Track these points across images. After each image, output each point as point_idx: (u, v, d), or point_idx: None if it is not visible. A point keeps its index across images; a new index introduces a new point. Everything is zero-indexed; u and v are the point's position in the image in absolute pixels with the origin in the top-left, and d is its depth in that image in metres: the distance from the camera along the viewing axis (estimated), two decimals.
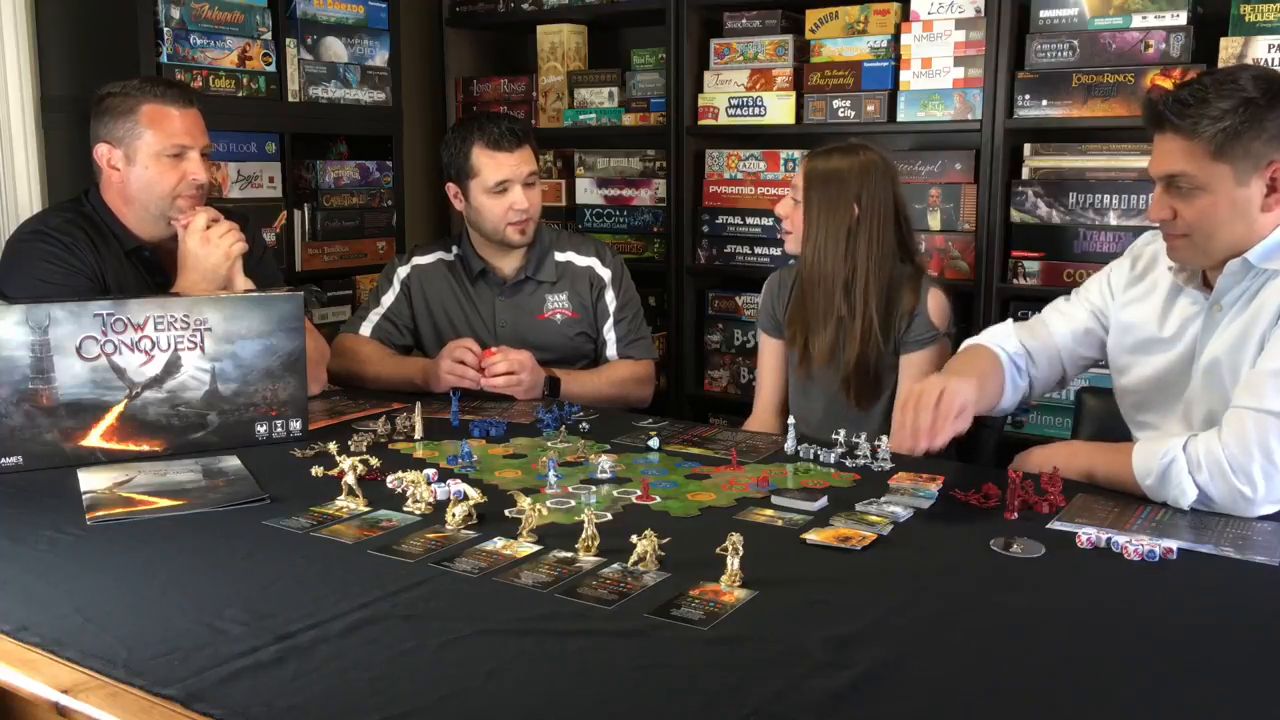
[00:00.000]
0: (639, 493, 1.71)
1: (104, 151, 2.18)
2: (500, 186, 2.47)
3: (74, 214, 2.20)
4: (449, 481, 1.68)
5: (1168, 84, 1.78)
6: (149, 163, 2.16)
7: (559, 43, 3.52)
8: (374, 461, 1.74)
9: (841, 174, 2.27)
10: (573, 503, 1.67)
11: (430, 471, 1.73)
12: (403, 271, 2.61)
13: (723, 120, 3.20)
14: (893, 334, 2.28)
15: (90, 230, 2.18)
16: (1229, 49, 2.51)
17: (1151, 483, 1.64)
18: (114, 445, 1.87)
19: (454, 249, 2.63)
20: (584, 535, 1.45)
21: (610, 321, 2.61)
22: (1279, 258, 1.66)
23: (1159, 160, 1.70)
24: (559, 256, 2.61)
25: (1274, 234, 1.67)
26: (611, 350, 2.61)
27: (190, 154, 2.18)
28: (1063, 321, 2.00)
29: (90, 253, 2.15)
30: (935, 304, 2.30)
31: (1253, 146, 1.62)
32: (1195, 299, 1.79)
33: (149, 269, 2.24)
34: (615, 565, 1.40)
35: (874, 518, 1.59)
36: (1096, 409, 2.17)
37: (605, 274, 2.61)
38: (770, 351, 2.49)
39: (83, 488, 1.72)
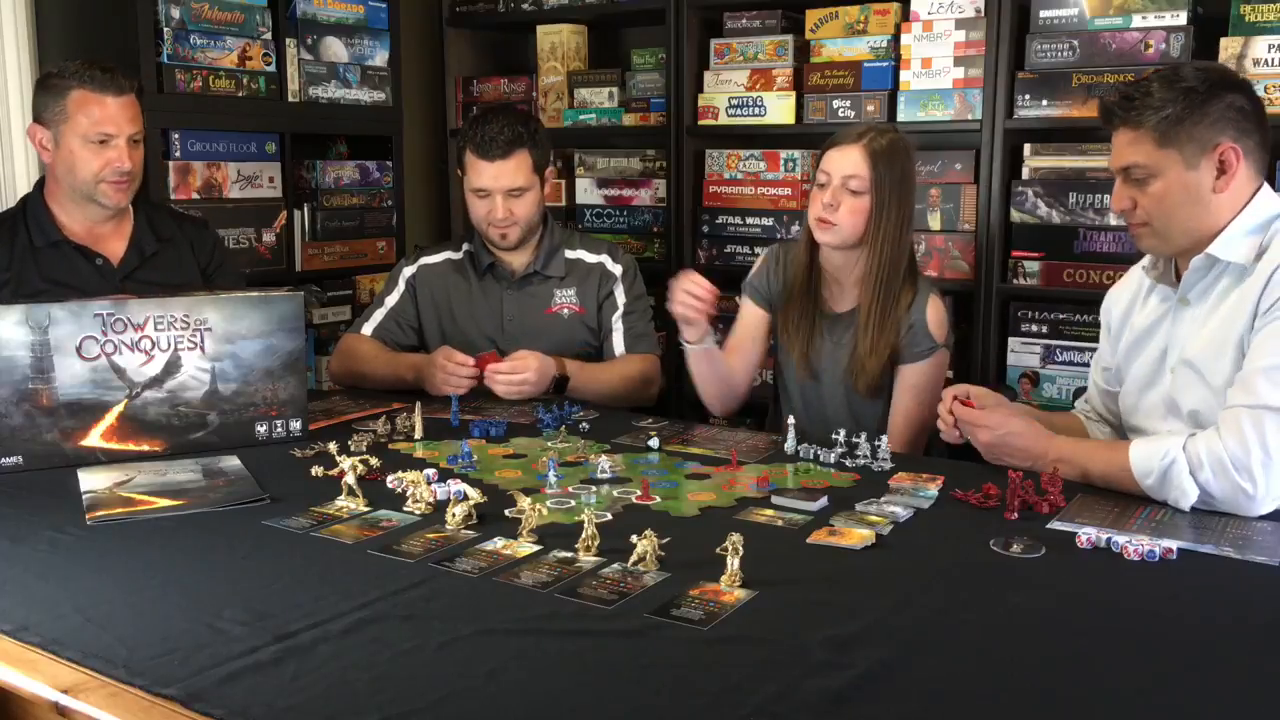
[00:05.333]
0: (639, 493, 1.71)
1: (35, 131, 2.19)
2: (481, 192, 2.48)
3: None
4: (449, 481, 1.69)
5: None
6: (74, 147, 2.16)
7: (559, 43, 3.52)
8: (374, 461, 1.75)
9: (903, 154, 2.17)
10: (573, 503, 1.68)
11: (430, 471, 1.73)
12: (408, 271, 2.62)
13: (723, 120, 3.20)
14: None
15: (8, 222, 2.21)
16: (1229, 49, 2.51)
17: (1152, 483, 1.64)
18: (114, 445, 1.87)
19: (465, 246, 2.63)
20: (584, 535, 1.45)
21: (618, 314, 2.58)
22: (1239, 249, 1.71)
23: (1114, 154, 1.79)
24: (569, 254, 2.60)
25: (1232, 225, 1.72)
26: (618, 340, 2.57)
27: (116, 141, 2.17)
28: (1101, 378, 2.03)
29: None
30: (934, 314, 2.20)
31: (1196, 131, 1.69)
32: (1164, 295, 1.85)
33: (80, 256, 2.23)
34: (615, 565, 1.40)
35: (874, 518, 1.59)
36: None
37: (616, 269, 2.61)
38: (752, 320, 2.40)
39: (83, 488, 1.72)
